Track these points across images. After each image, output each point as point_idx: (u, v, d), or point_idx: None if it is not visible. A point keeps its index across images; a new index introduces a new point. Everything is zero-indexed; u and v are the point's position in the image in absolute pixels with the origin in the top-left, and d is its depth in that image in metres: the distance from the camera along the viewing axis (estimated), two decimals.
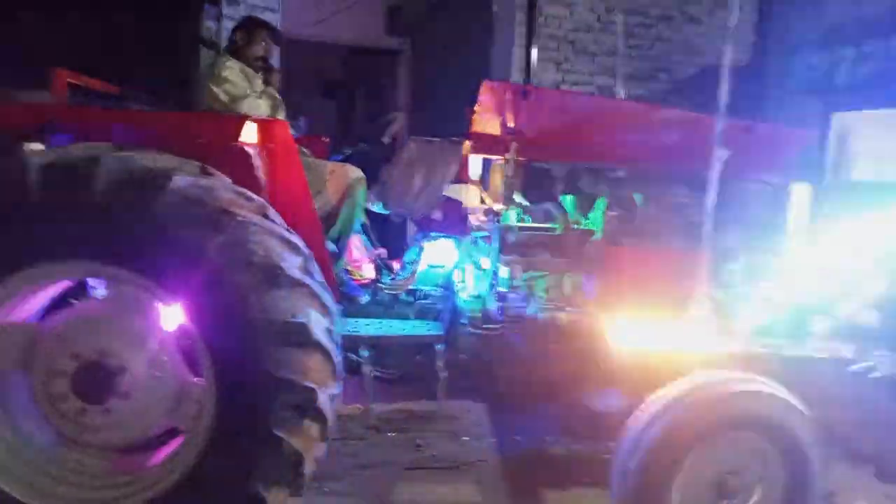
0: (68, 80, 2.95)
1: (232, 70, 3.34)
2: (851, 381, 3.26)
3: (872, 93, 5.16)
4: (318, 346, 2.46)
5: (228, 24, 5.33)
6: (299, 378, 2.41)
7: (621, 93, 4.21)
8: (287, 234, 2.53)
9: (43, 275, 2.45)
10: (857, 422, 3.39)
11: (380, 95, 11.64)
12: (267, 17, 5.36)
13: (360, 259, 3.89)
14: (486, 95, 3.01)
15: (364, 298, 3.39)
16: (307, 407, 2.44)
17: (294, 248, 2.53)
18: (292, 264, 2.46)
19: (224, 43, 5.53)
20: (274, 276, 2.38)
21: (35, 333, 2.56)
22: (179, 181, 2.34)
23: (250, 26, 3.48)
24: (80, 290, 2.88)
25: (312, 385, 2.43)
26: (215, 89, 3.25)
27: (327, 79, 14.21)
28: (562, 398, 3.71)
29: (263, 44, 3.60)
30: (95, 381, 2.50)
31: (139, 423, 2.59)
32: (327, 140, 3.86)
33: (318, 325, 2.48)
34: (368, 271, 3.80)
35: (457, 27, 7.74)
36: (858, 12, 5.15)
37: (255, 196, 2.57)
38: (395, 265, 3.68)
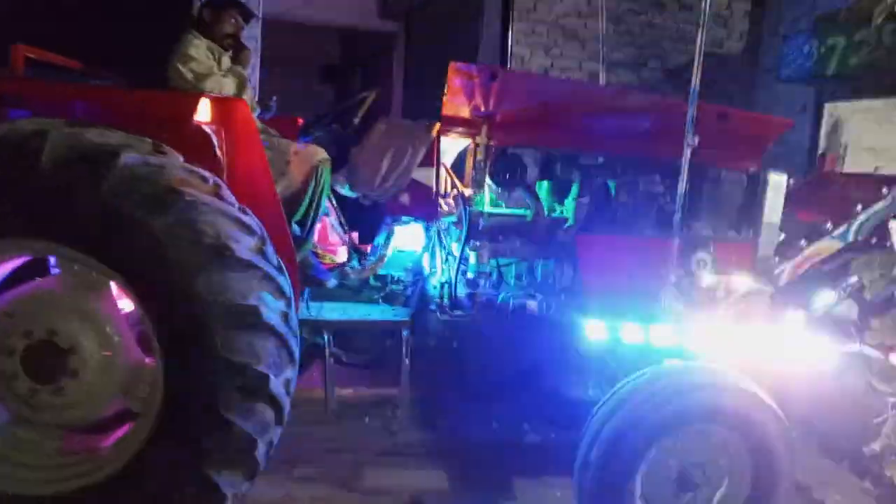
0: (26, 54, 2.89)
1: (198, 48, 3.27)
2: (828, 374, 3.21)
3: (862, 82, 5.07)
4: (271, 330, 2.42)
5: None
6: (251, 362, 2.37)
7: (602, 78, 4.13)
8: (240, 215, 2.48)
9: None
10: (832, 416, 3.34)
11: (376, 78, 11.59)
12: None
13: (335, 243, 3.84)
14: (454, 78, 2.94)
15: (332, 282, 3.34)
16: (259, 391, 2.40)
17: (247, 228, 2.48)
18: (244, 245, 2.41)
19: None
20: (223, 256, 2.33)
21: None
22: (127, 158, 2.29)
23: (218, 3, 3.41)
24: (42, 268, 2.85)
25: (264, 369, 2.39)
26: (181, 67, 3.18)
27: (326, 63, 14.15)
28: (532, 386, 3.66)
29: (233, 21, 3.52)
30: (46, 360, 2.46)
31: (90, 404, 2.54)
32: (300, 121, 3.79)
33: (271, 308, 2.43)
34: (342, 255, 3.75)
35: (448, 11, 7.66)
36: (849, 1, 5.06)
37: (209, 175, 2.52)
38: (367, 249, 3.63)
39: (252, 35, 5.44)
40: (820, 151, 5.38)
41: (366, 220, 3.81)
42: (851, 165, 5.57)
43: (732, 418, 2.69)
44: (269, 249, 2.55)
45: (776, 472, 2.75)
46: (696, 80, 2.81)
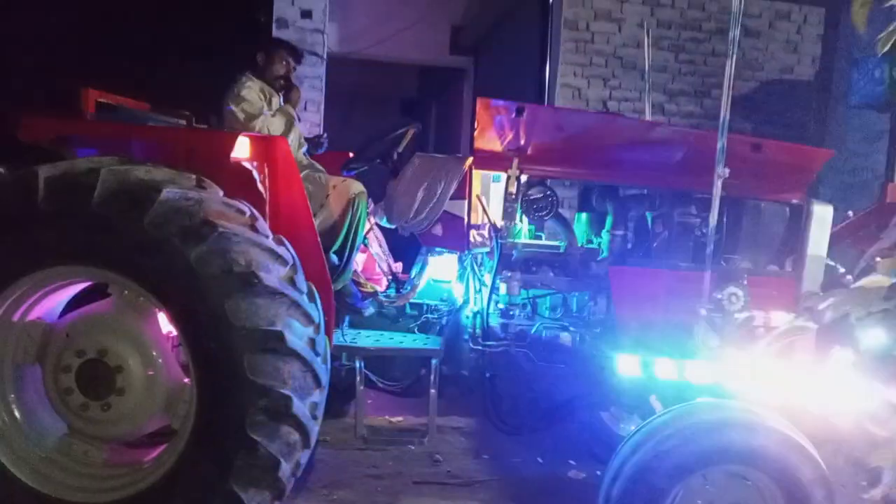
0: (97, 98, 3.20)
1: (250, 90, 3.52)
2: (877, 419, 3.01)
3: None
4: (296, 355, 2.54)
5: None
6: (275, 385, 2.49)
7: (647, 111, 4.09)
8: (272, 245, 2.63)
9: (54, 277, 2.67)
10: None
11: (447, 112, 11.84)
12: (315, 38, 5.60)
13: (379, 273, 3.97)
14: (481, 113, 3.03)
15: (369, 311, 3.45)
16: (284, 413, 2.52)
17: (279, 258, 2.63)
18: (274, 274, 2.56)
19: None
20: (251, 284, 2.48)
21: (48, 331, 2.78)
22: (168, 193, 2.50)
23: (270, 46, 3.66)
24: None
25: (288, 392, 2.51)
26: (234, 108, 3.43)
27: (405, 97, 14.64)
28: (566, 420, 3.63)
29: (284, 63, 3.76)
30: (96, 377, 2.68)
31: (134, 419, 2.74)
32: (349, 155, 3.97)
33: (297, 334, 2.56)
34: (384, 285, 3.87)
35: (513, 47, 7.80)
36: None
37: (246, 208, 2.70)
38: (406, 279, 3.73)
39: (316, 74, 5.74)
40: None
41: (411, 251, 3.92)
42: None
43: (764, 461, 2.58)
44: (300, 278, 2.69)
45: None
46: (725, 111, 2.77)
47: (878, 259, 2.70)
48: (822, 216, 3.08)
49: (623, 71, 6.17)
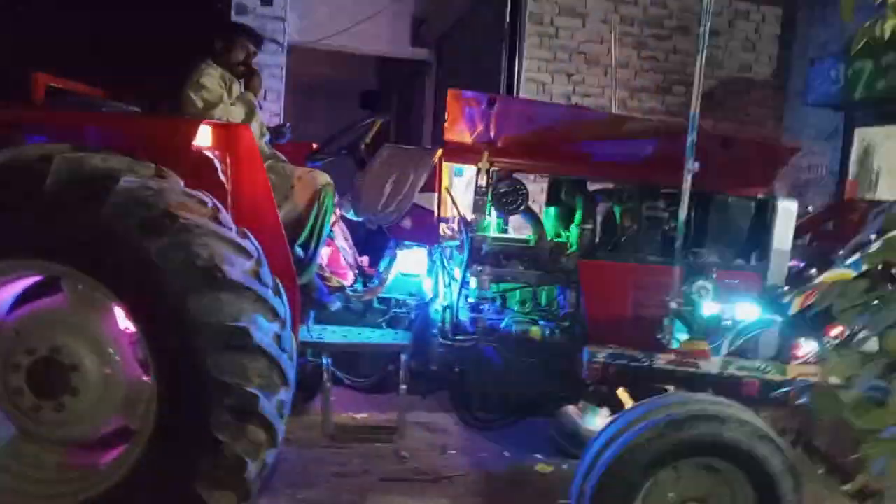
0: (47, 83, 3.04)
1: (210, 76, 3.39)
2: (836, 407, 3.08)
3: (892, 107, 4.93)
4: (262, 352, 2.45)
5: None
6: (241, 383, 2.40)
7: (614, 105, 4.11)
8: (236, 238, 2.54)
9: (2, 271, 2.51)
10: (841, 446, 3.19)
11: (410, 104, 11.77)
12: (275, 25, 5.46)
13: (345, 267, 3.88)
14: (452, 105, 2.98)
15: (335, 305, 3.37)
16: (249, 412, 2.44)
17: (243, 251, 2.53)
18: (238, 268, 2.47)
19: None
20: (215, 279, 2.38)
21: None
22: (126, 182, 2.38)
23: (229, 32, 3.53)
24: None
25: (254, 390, 2.42)
26: (192, 96, 3.30)
27: (363, 89, 14.48)
28: (536, 413, 3.61)
29: (244, 49, 3.64)
30: (48, 376, 2.54)
31: (90, 420, 2.61)
32: (316, 146, 3.87)
33: (263, 330, 2.48)
34: (351, 279, 3.78)
35: (478, 39, 7.76)
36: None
37: (208, 199, 2.59)
38: (374, 273, 3.66)
39: (276, 63, 5.60)
40: (851, 177, 5.23)
41: (378, 244, 3.85)
42: (883, 191, 5.40)
43: (735, 452, 2.60)
44: (265, 272, 2.60)
45: None
46: (695, 105, 2.78)
47: (859, 254, 2.75)
48: (787, 211, 3.12)
49: (587, 66, 6.19)
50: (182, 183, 2.57)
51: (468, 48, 8.29)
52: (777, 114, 6.34)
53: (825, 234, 3.68)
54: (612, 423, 2.74)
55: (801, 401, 2.52)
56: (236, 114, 3.30)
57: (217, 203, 2.63)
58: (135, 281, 2.38)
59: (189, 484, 2.43)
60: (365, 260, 3.84)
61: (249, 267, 2.53)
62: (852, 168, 5.33)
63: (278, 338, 2.56)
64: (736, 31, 6.39)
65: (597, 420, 4.27)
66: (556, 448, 4.25)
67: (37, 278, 2.75)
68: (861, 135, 5.33)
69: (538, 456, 4.25)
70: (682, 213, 2.83)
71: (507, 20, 5.88)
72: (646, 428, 2.60)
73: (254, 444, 2.50)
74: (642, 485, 2.61)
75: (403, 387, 3.08)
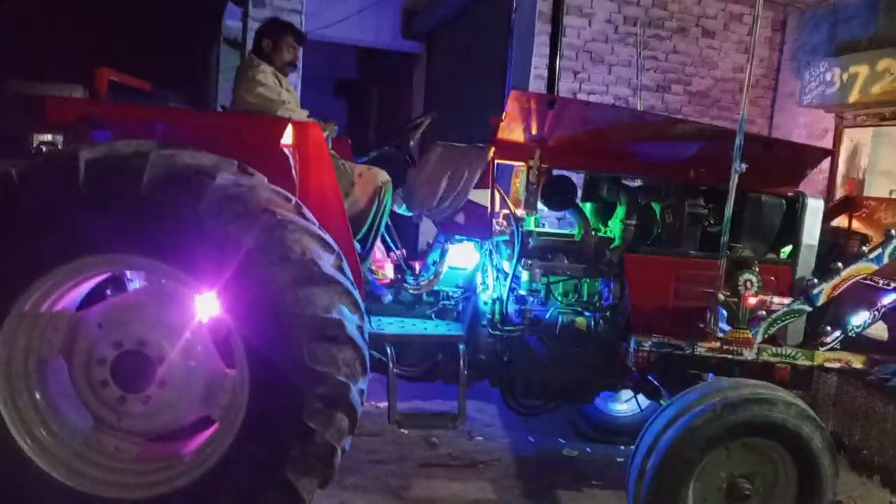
0: (110, 77, 3.05)
1: (265, 74, 3.43)
2: (862, 391, 3.35)
3: (883, 109, 5.25)
4: (352, 342, 2.55)
5: (253, 25, 5.45)
6: (334, 372, 2.50)
7: (638, 104, 4.30)
8: (322, 233, 2.62)
9: (89, 266, 2.54)
10: (864, 431, 3.46)
11: (393, 96, 11.80)
12: (292, 18, 5.47)
13: (382, 259, 3.98)
14: (513, 104, 3.10)
15: (387, 298, 3.48)
16: (340, 400, 2.54)
17: (328, 246, 2.62)
18: (327, 262, 2.56)
19: (249, 45, 5.65)
20: (310, 273, 2.47)
21: (76, 322, 2.65)
22: (222, 179, 2.44)
23: (276, 31, 3.55)
24: (115, 282, 2.99)
25: (345, 379, 2.53)
26: (250, 93, 3.34)
27: (340, 78, 14.37)
28: (578, 400, 3.79)
29: (291, 48, 3.68)
30: (135, 369, 2.59)
31: (174, 412, 2.67)
32: (349, 141, 3.94)
33: (350, 321, 2.57)
34: (388, 271, 3.88)
35: (475, 34, 7.87)
36: (871, 30, 5.26)
37: (290, 195, 2.67)
38: (416, 266, 3.77)
39: None
40: (840, 176, 5.55)
41: (403, 236, 3.96)
42: (869, 189, 5.74)
43: (782, 432, 2.82)
44: (346, 266, 2.70)
45: (821, 485, 2.87)
46: (744, 110, 2.96)
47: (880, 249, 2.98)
48: (814, 208, 3.35)
49: (592, 64, 6.38)
50: (266, 180, 2.64)
51: (462, 42, 8.39)
52: (767, 112, 6.65)
53: (834, 230, 3.92)
54: (668, 406, 2.92)
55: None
56: (299, 112, 3.36)
57: (297, 200, 2.71)
58: (232, 276, 2.44)
59: (280, 470, 2.52)
60: (404, 253, 3.94)
61: (334, 261, 2.63)
62: (841, 167, 5.66)
63: (360, 329, 2.66)
64: (731, 32, 6.67)
65: (618, 406, 4.50)
66: (576, 433, 4.45)
67: (107, 274, 2.79)
68: (850, 135, 5.66)
69: (561, 441, 4.45)
70: (728, 211, 3.02)
71: (514, 15, 6.01)
72: (704, 411, 2.79)
73: (339, 431, 2.60)
74: (699, 463, 2.81)
75: (465, 373, 3.20)
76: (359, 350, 2.60)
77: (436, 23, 9.18)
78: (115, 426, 2.69)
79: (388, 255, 3.91)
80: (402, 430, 4.08)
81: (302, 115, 3.41)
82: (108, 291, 3.01)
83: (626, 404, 4.42)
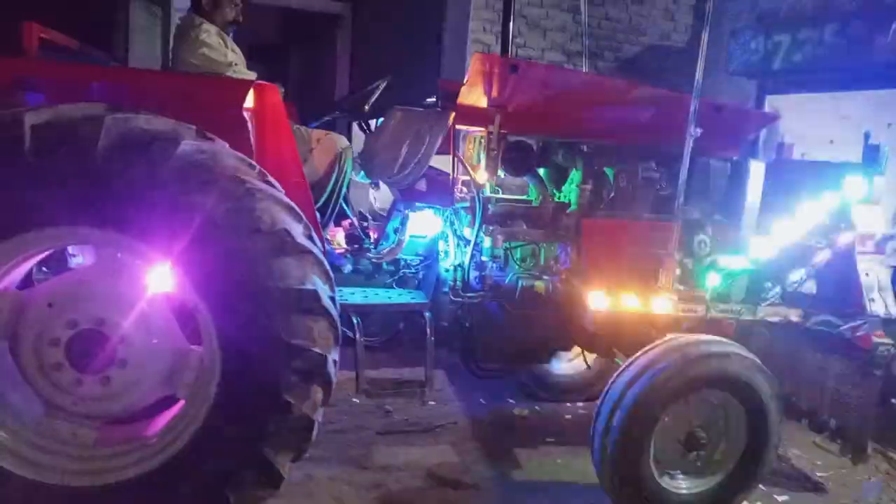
0: (40, 34, 2.77)
1: (209, 33, 3.23)
2: (791, 343, 3.58)
3: (805, 78, 5.55)
4: (326, 313, 2.49)
5: None
6: (310, 345, 2.43)
7: (584, 68, 4.35)
8: (290, 202, 2.52)
9: (38, 240, 2.34)
10: (792, 380, 3.71)
11: (316, 61, 11.38)
12: None
13: (333, 228, 3.88)
14: (476, 68, 3.06)
15: (347, 267, 3.41)
16: (317, 373, 2.48)
17: (297, 215, 2.53)
18: (297, 232, 2.47)
19: (176, 2, 5.30)
20: (283, 243, 2.37)
21: (21, 302, 2.45)
22: (185, 146, 2.29)
23: None
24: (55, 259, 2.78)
25: (321, 351, 2.46)
26: (194, 54, 3.14)
27: (260, 42, 13.71)
28: (536, 362, 3.87)
29: (233, 5, 3.48)
30: (92, 349, 2.43)
31: (134, 393, 2.53)
32: (294, 106, 3.79)
33: (323, 291, 2.50)
34: (341, 239, 3.80)
35: None
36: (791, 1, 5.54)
37: (253, 162, 2.54)
38: (372, 234, 3.70)
39: None
40: (761, 142, 5.84)
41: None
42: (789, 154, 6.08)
43: (736, 384, 2.99)
44: (314, 235, 2.61)
45: (769, 429, 3.08)
46: (699, 76, 3.05)
47: None
48: (758, 170, 3.52)
49: (528, 29, 6.38)
50: (227, 145, 2.50)
51: (393, 4, 8.17)
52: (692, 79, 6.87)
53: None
54: (630, 363, 3.03)
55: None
56: (248, 74, 3.18)
57: (259, 166, 2.58)
58: (199, 248, 2.31)
59: (257, 447, 2.45)
60: (355, 221, 3.86)
61: (303, 230, 2.54)
62: (763, 133, 5.94)
63: (332, 299, 2.60)
64: (657, 0, 6.83)
65: (562, 366, 4.64)
66: (525, 393, 4.57)
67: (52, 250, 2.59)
68: (771, 101, 5.95)
69: (511, 401, 4.55)
70: (684, 174, 3.12)
71: None
72: (666, 367, 2.92)
73: (314, 403, 2.54)
74: (661, 417, 2.95)
75: (432, 339, 3.20)
76: (332, 321, 2.53)
77: None
78: (70, 410, 2.52)
79: (341, 224, 3.82)
80: (355, 399, 4.08)
81: (251, 76, 3.24)
82: (45, 269, 2.80)
83: (569, 363, 4.56)
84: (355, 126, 3.67)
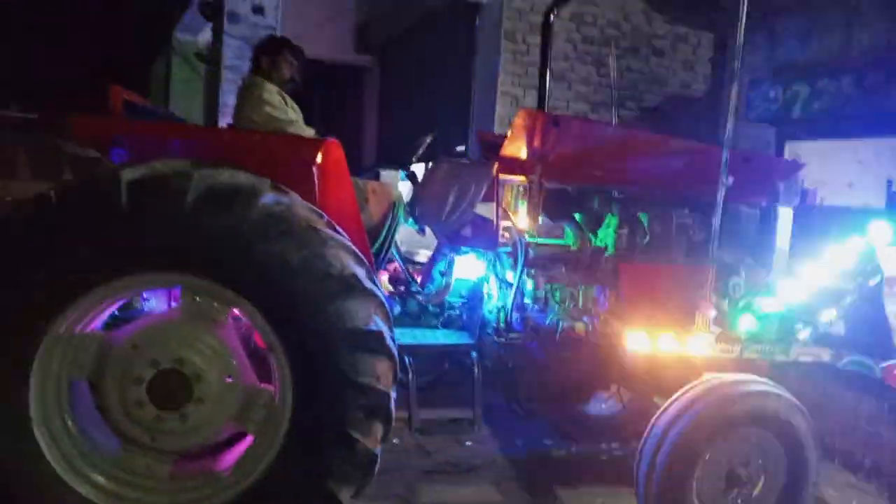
0: (124, 97, 3.03)
1: (271, 93, 3.48)
2: (822, 382, 3.69)
3: (824, 125, 5.77)
4: (388, 353, 2.65)
5: (229, 41, 5.43)
6: (374, 382, 2.59)
7: (613, 118, 4.59)
8: (355, 248, 2.71)
9: (130, 285, 2.54)
10: (828, 418, 3.81)
11: (344, 111, 11.78)
12: (268, 34, 5.48)
13: (379, 272, 4.07)
14: (520, 122, 3.28)
15: (395, 309, 3.58)
16: (379, 409, 2.63)
17: (361, 261, 2.71)
18: (363, 275, 2.65)
19: (226, 60, 5.62)
20: (351, 286, 2.56)
21: (105, 343, 2.63)
22: (265, 198, 2.50)
23: (273, 48, 3.59)
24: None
25: (384, 389, 2.62)
26: (256, 112, 3.38)
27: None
28: (577, 401, 3.99)
29: (290, 64, 3.74)
30: (168, 388, 2.60)
31: (209, 429, 2.69)
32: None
33: (386, 332, 2.67)
34: (385, 282, 3.98)
35: (432, 47, 8.03)
36: (807, 52, 5.79)
37: (321, 212, 2.75)
38: (417, 276, 3.88)
39: None
40: (790, 186, 6.04)
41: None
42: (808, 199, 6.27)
43: (775, 422, 3.11)
44: (376, 279, 2.80)
45: (807, 466, 3.18)
46: (729, 131, 3.25)
47: None
48: (785, 217, 3.69)
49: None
50: (299, 198, 2.71)
51: (421, 56, 8.54)
52: (711, 127, 7.13)
53: None
54: (671, 402, 3.15)
55: None
56: (307, 130, 3.42)
57: (326, 216, 2.78)
58: (276, 292, 2.50)
59: (323, 481, 2.59)
60: (400, 265, 4.05)
61: (367, 274, 2.72)
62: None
63: (392, 339, 2.76)
64: (678, 52, 7.13)
65: (598, 406, 4.74)
66: (560, 434, 4.66)
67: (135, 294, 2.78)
68: (790, 147, 6.17)
69: (547, 442, 4.64)
70: (717, 221, 3.30)
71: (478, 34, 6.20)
72: (707, 406, 3.04)
73: (376, 439, 2.69)
74: (705, 454, 3.06)
75: (479, 379, 3.34)
76: (393, 360, 2.70)
77: (389, 36, 9.29)
78: (147, 446, 2.68)
79: (385, 267, 4.01)
80: (395, 441, 4.19)
81: (309, 132, 3.48)
82: (116, 311, 2.99)
83: (605, 404, 4.66)
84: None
